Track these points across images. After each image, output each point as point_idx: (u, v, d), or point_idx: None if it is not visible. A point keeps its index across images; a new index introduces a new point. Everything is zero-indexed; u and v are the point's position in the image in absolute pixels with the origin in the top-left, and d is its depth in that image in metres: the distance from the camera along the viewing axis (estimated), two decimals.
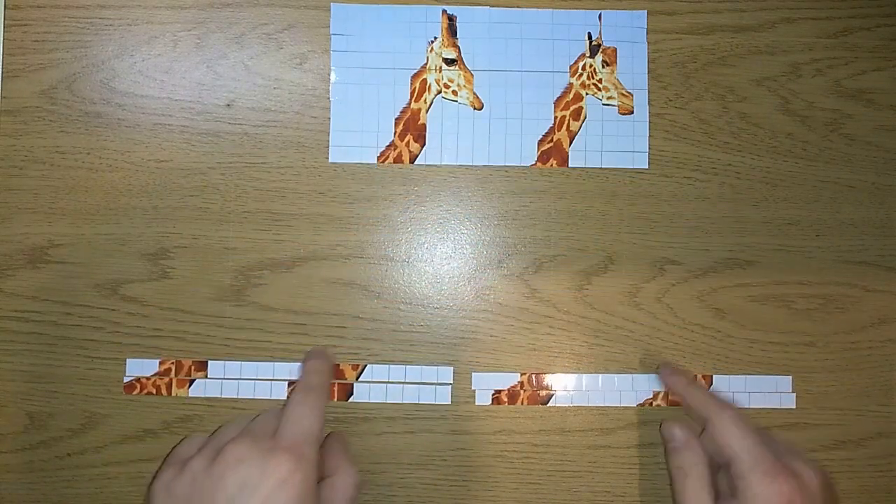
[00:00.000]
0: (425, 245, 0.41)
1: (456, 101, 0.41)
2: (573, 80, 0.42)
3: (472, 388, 0.41)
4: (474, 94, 0.42)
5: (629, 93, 0.42)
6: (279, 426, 0.35)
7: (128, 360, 0.40)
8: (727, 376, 0.41)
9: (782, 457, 0.36)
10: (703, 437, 0.38)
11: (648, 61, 0.42)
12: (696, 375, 0.41)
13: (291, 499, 0.32)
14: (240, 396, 0.40)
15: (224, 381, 0.40)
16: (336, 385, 0.40)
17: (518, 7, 0.42)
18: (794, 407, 0.41)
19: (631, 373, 0.41)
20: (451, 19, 0.42)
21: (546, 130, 0.42)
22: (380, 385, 0.41)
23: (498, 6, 0.42)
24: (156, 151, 0.41)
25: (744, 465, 0.36)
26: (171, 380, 0.40)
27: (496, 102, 0.42)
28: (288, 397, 0.39)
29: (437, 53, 0.42)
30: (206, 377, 0.40)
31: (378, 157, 0.41)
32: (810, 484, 0.36)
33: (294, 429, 0.35)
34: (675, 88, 0.42)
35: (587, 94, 0.42)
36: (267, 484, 0.32)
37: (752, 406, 0.41)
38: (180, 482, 0.34)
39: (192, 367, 0.40)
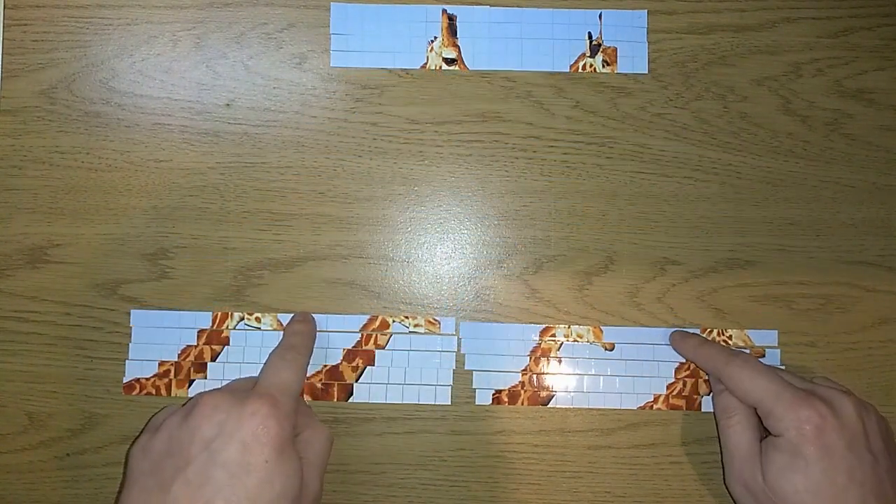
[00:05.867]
0: (425, 245, 0.41)
1: None
2: None
3: (473, 388, 0.41)
4: None
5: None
6: (257, 381, 0.35)
7: (127, 360, 0.40)
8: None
9: (808, 386, 0.36)
10: (725, 393, 0.38)
11: (649, 61, 0.42)
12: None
13: (270, 442, 0.32)
14: None
15: (224, 381, 0.40)
16: (336, 385, 0.40)
17: (518, 7, 0.42)
18: None
19: (632, 374, 0.41)
20: (451, 19, 0.42)
21: None
22: (380, 385, 0.41)
23: (498, 6, 0.42)
24: (155, 151, 0.41)
25: (766, 403, 0.35)
26: (170, 380, 0.40)
27: None
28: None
29: (436, 53, 0.42)
30: (205, 378, 0.40)
31: None
32: (842, 408, 0.35)
33: (271, 380, 0.35)
34: (675, 88, 0.42)
35: None
36: (244, 428, 0.32)
37: None
38: (156, 440, 0.33)
39: (192, 368, 0.40)
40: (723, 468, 0.38)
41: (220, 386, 0.37)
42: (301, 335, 0.38)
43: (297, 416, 0.35)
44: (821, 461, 0.34)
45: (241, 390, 0.34)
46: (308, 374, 0.40)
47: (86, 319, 0.40)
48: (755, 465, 0.36)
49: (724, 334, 0.41)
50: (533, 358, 0.41)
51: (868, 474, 0.34)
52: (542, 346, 0.41)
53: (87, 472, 0.40)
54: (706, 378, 0.41)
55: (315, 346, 0.40)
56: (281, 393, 0.34)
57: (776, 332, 0.41)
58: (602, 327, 0.41)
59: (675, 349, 0.41)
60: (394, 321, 0.41)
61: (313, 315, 0.40)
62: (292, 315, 0.40)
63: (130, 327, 0.40)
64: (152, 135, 0.41)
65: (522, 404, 0.41)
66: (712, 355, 0.38)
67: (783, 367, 0.41)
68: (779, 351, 0.41)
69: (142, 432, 0.35)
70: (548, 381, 0.41)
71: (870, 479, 0.34)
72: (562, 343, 0.41)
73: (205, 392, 0.34)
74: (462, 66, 0.41)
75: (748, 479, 0.36)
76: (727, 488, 0.38)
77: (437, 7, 0.42)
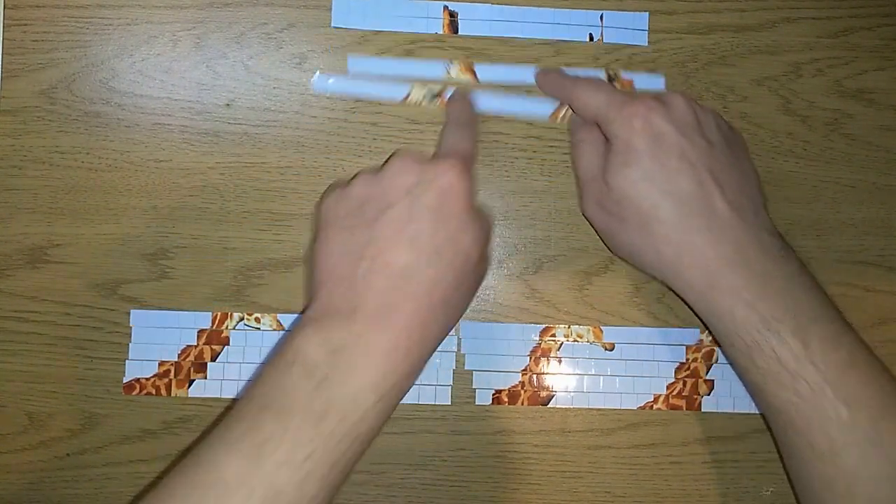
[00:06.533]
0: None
1: None
2: None
3: (473, 388, 0.41)
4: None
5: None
6: (440, 150, 0.37)
7: (127, 360, 0.40)
8: (728, 376, 0.41)
9: (644, 95, 0.37)
10: (574, 119, 0.39)
11: (649, 61, 0.42)
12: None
13: (464, 194, 0.33)
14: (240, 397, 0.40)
15: (224, 381, 0.40)
16: None
17: (520, 5, 0.42)
18: None
19: (632, 374, 0.41)
20: (453, 15, 0.42)
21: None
22: None
23: (500, 3, 0.42)
24: (155, 151, 0.41)
25: (601, 111, 0.36)
26: (170, 380, 0.40)
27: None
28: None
29: (451, 75, 0.41)
30: (205, 378, 0.40)
31: None
32: (673, 101, 0.36)
33: (455, 148, 0.36)
34: (675, 88, 0.42)
35: None
36: (440, 179, 0.33)
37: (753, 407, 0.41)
38: (352, 189, 0.35)
39: (192, 368, 0.40)
40: (579, 199, 0.39)
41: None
42: (465, 111, 0.40)
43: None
44: (650, 148, 0.35)
45: (427, 156, 0.35)
46: None
47: (86, 319, 0.40)
48: (600, 179, 0.37)
49: None
50: (533, 358, 0.41)
51: (702, 155, 0.35)
52: (542, 346, 0.41)
53: (87, 472, 0.40)
54: (706, 378, 0.41)
55: None
56: (463, 158, 0.35)
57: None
58: (602, 327, 0.41)
59: (540, 87, 0.41)
60: None
61: None
62: (450, 95, 0.41)
63: (130, 327, 0.40)
64: (152, 135, 0.41)
65: (522, 404, 0.41)
66: (567, 82, 0.39)
67: None
68: None
69: (331, 189, 0.36)
70: (548, 381, 0.41)
71: (704, 160, 0.35)
72: (562, 343, 0.41)
73: (392, 155, 0.35)
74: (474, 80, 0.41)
75: (596, 195, 0.37)
76: (584, 216, 0.39)
77: (438, 3, 0.42)
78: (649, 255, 0.36)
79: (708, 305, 0.35)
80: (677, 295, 0.37)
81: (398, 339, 0.32)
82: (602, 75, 0.41)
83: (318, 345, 0.32)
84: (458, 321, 0.36)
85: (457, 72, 0.40)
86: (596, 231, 0.39)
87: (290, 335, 0.33)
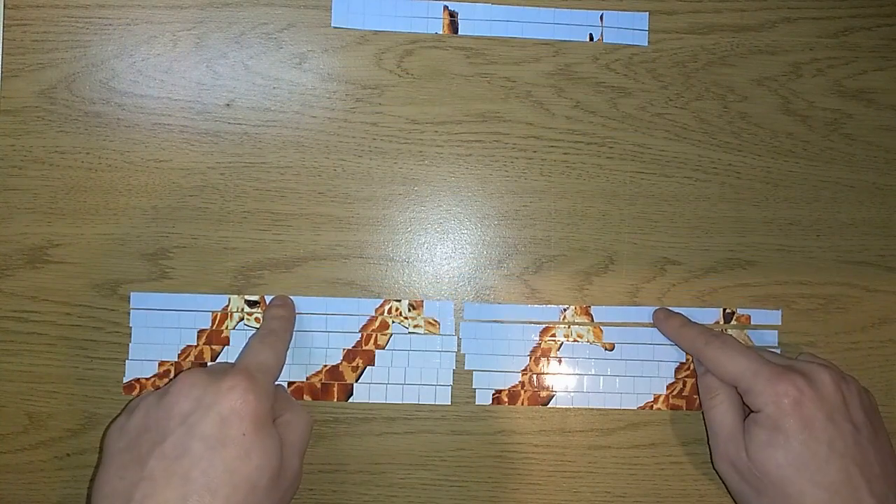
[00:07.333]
0: (425, 245, 0.41)
1: None
2: None
3: (473, 388, 0.41)
4: None
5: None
6: (234, 362, 0.35)
7: (127, 360, 0.40)
8: None
9: (786, 362, 0.36)
10: (707, 374, 0.38)
11: (649, 61, 0.42)
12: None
13: (247, 416, 0.32)
14: None
15: None
16: (336, 385, 0.40)
17: (520, 5, 0.42)
18: None
19: (632, 374, 0.41)
20: (453, 15, 0.42)
21: None
22: (380, 385, 0.41)
23: (500, 3, 0.42)
24: (155, 151, 0.41)
25: (745, 381, 0.36)
26: (170, 380, 0.40)
27: None
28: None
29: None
30: None
31: None
32: (820, 379, 0.35)
33: (249, 360, 0.35)
34: (675, 88, 0.42)
35: None
36: (221, 402, 0.32)
37: None
38: (133, 418, 0.33)
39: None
40: (710, 450, 0.38)
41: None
42: (280, 319, 0.38)
43: (277, 400, 0.35)
44: (800, 434, 0.34)
45: (219, 370, 0.34)
46: (308, 374, 0.40)
47: (86, 319, 0.40)
48: (739, 442, 0.36)
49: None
50: (533, 358, 0.41)
51: (849, 444, 0.34)
52: (542, 346, 0.41)
53: (87, 472, 0.40)
54: None
55: (314, 346, 0.40)
56: (259, 371, 0.34)
57: (776, 332, 0.41)
58: (602, 327, 0.41)
59: (657, 327, 0.41)
60: (393, 322, 0.41)
61: (313, 313, 0.40)
62: (271, 299, 0.40)
63: (130, 327, 0.40)
64: (152, 135, 0.41)
65: (522, 404, 0.41)
66: (693, 336, 0.39)
67: (777, 347, 0.41)
68: (779, 351, 0.41)
69: (118, 415, 0.35)
70: (548, 381, 0.41)
71: (851, 449, 0.34)
72: (562, 343, 0.41)
73: (182, 371, 0.34)
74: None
75: (733, 458, 0.36)
76: (715, 469, 0.38)
77: (438, 3, 0.42)
78: None
79: None
80: None
81: None
82: (718, 315, 0.41)
83: None
84: None
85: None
86: (727, 487, 0.38)
87: None
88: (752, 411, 0.36)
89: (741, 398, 0.37)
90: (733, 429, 0.37)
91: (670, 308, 0.41)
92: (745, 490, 0.36)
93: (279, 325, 0.38)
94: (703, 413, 0.39)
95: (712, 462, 0.38)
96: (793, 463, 0.34)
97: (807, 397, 0.34)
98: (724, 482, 0.38)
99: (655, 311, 0.41)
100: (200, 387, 0.32)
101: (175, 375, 0.40)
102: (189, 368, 0.34)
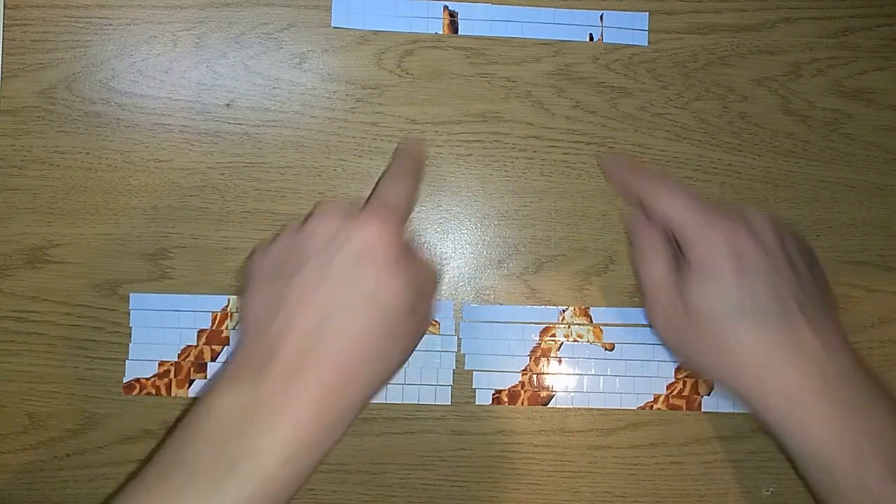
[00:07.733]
0: (425, 245, 0.41)
1: None
2: None
3: (473, 388, 0.41)
4: None
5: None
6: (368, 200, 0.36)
7: (127, 360, 0.40)
8: None
9: (726, 209, 0.35)
10: (639, 220, 0.38)
11: (649, 61, 0.42)
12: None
13: (381, 253, 0.33)
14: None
15: None
16: None
17: (520, 5, 0.42)
18: None
19: (632, 374, 0.41)
20: (453, 15, 0.42)
21: None
22: None
23: (500, 3, 0.42)
24: (155, 151, 0.41)
25: (679, 222, 0.35)
26: (170, 380, 0.40)
27: None
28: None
29: None
30: (205, 378, 0.40)
31: None
32: (761, 226, 0.35)
33: (382, 199, 0.36)
34: (675, 88, 0.42)
35: None
36: (355, 238, 0.33)
37: None
38: (276, 244, 0.35)
39: (192, 368, 0.40)
40: (644, 306, 0.38)
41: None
42: (410, 159, 0.39)
43: (407, 245, 0.35)
44: (733, 268, 0.34)
45: (353, 206, 0.35)
46: None
47: (86, 319, 0.40)
48: (672, 289, 0.36)
49: None
50: (533, 358, 0.41)
51: (788, 283, 0.34)
52: (542, 346, 0.41)
53: (87, 472, 0.40)
54: (706, 378, 0.41)
55: None
56: (391, 211, 0.35)
57: None
58: (602, 327, 0.41)
59: (603, 171, 0.40)
60: None
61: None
62: (400, 141, 0.41)
63: (130, 327, 0.40)
64: (152, 135, 0.41)
65: (522, 404, 0.41)
66: (641, 181, 0.38)
67: None
68: None
69: (254, 250, 0.37)
70: (548, 381, 0.41)
71: (790, 287, 0.34)
72: (562, 343, 0.41)
73: (321, 202, 0.35)
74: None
75: (665, 306, 0.36)
76: (650, 324, 0.38)
77: (438, 3, 0.42)
78: (723, 373, 0.35)
79: (790, 434, 0.34)
80: (752, 414, 0.35)
81: (310, 398, 0.31)
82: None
83: (227, 402, 0.31)
84: (394, 373, 0.34)
85: None
86: (662, 342, 0.38)
87: (207, 387, 0.33)
88: (686, 258, 0.36)
89: (673, 247, 0.37)
90: (663, 276, 0.36)
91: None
92: (683, 340, 0.36)
93: (409, 164, 0.39)
94: (634, 270, 0.38)
95: (647, 318, 0.38)
96: (726, 297, 0.34)
97: (741, 234, 0.34)
98: (659, 337, 0.38)
99: (599, 157, 0.40)
100: (339, 219, 0.34)
101: (174, 373, 0.40)
102: (328, 201, 0.35)
